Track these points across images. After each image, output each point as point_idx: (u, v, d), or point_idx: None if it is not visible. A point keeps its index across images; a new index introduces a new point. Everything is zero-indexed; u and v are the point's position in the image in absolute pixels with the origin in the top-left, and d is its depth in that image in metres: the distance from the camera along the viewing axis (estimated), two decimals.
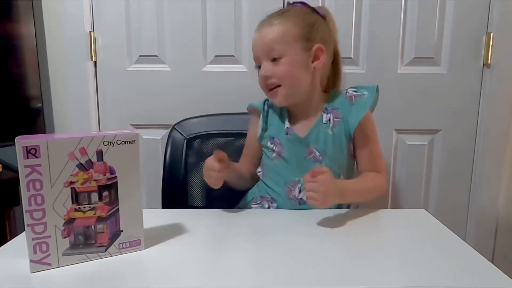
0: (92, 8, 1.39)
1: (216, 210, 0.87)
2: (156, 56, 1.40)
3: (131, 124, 1.45)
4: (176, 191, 1.10)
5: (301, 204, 0.88)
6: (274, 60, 0.86)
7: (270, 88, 0.88)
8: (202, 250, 0.66)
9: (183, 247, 0.66)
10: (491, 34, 1.30)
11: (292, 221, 0.80)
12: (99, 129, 1.45)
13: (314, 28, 0.88)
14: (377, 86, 0.90)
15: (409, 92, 1.36)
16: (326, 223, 0.78)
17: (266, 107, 0.96)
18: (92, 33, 1.39)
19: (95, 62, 1.42)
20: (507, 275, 0.56)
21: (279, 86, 0.86)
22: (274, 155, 0.92)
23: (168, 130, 1.40)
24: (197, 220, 0.79)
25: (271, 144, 0.92)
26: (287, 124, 0.92)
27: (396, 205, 1.43)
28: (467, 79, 1.35)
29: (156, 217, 0.81)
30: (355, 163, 0.95)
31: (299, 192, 0.89)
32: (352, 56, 1.36)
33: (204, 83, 1.39)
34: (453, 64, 1.34)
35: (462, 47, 1.33)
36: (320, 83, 0.92)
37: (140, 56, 1.41)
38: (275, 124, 0.94)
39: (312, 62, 0.87)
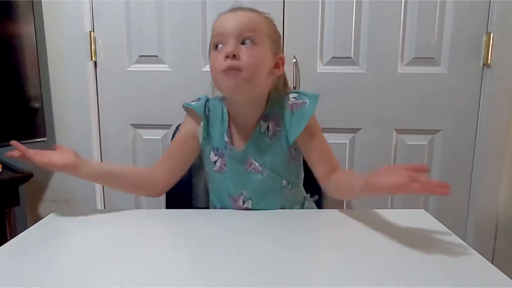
0: (92, 8, 1.39)
1: (218, 211, 0.87)
2: (156, 56, 1.40)
3: (131, 124, 1.45)
4: (180, 192, 1.09)
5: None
6: (243, 43, 0.79)
7: (230, 67, 0.78)
8: (202, 250, 0.66)
9: (183, 247, 0.66)
10: (491, 34, 1.30)
11: (294, 221, 0.80)
12: (99, 129, 1.45)
13: (280, 39, 0.88)
14: (319, 94, 0.86)
15: (409, 92, 1.36)
16: (326, 223, 0.78)
17: (207, 111, 0.89)
18: (92, 33, 1.39)
19: (95, 62, 1.42)
20: (507, 275, 0.56)
21: (239, 70, 0.78)
22: (216, 168, 0.88)
23: (168, 130, 1.42)
24: (199, 221, 0.79)
25: (215, 155, 0.88)
26: (225, 137, 0.86)
27: (396, 205, 1.43)
28: (467, 79, 1.35)
29: (158, 217, 0.81)
30: (301, 163, 0.93)
31: (243, 203, 0.87)
32: (352, 56, 1.36)
33: (204, 83, 1.38)
34: (453, 64, 1.34)
35: (462, 47, 1.33)
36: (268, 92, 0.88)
37: (140, 56, 1.41)
38: (217, 134, 0.88)
39: (274, 68, 0.84)
